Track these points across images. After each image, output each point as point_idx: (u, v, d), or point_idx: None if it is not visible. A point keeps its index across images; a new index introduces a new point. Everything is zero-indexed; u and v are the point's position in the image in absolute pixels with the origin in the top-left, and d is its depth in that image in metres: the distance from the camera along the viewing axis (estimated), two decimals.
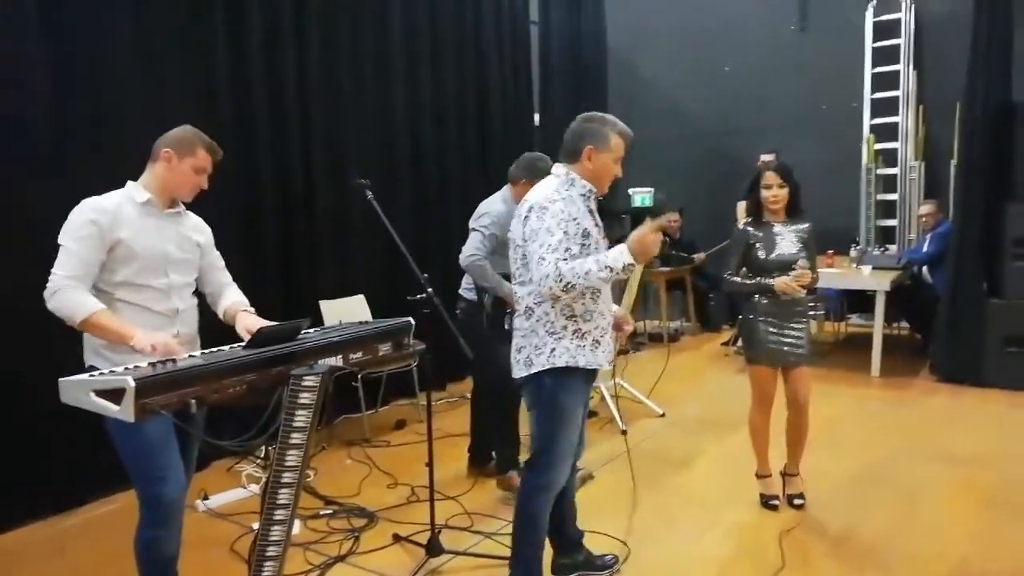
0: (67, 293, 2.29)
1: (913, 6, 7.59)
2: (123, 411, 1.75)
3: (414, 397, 5.37)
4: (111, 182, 2.52)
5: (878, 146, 7.81)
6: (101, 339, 2.36)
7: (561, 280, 2.48)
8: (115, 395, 1.76)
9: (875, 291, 6.16)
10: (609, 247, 2.67)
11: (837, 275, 6.62)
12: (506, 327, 3.81)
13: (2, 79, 3.55)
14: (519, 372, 2.74)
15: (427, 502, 3.20)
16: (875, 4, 7.75)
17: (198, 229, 2.68)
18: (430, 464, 3.19)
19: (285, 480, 2.13)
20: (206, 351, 2.20)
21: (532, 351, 2.68)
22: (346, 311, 4.81)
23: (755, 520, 3.58)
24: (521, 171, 3.85)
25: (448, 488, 3.88)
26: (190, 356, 2.08)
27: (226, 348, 2.20)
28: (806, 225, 3.58)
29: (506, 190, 3.94)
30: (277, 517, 2.16)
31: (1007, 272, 5.69)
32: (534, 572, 2.81)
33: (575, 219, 2.60)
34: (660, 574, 3.04)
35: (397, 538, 3.39)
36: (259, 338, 2.15)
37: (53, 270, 2.31)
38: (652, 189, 8.38)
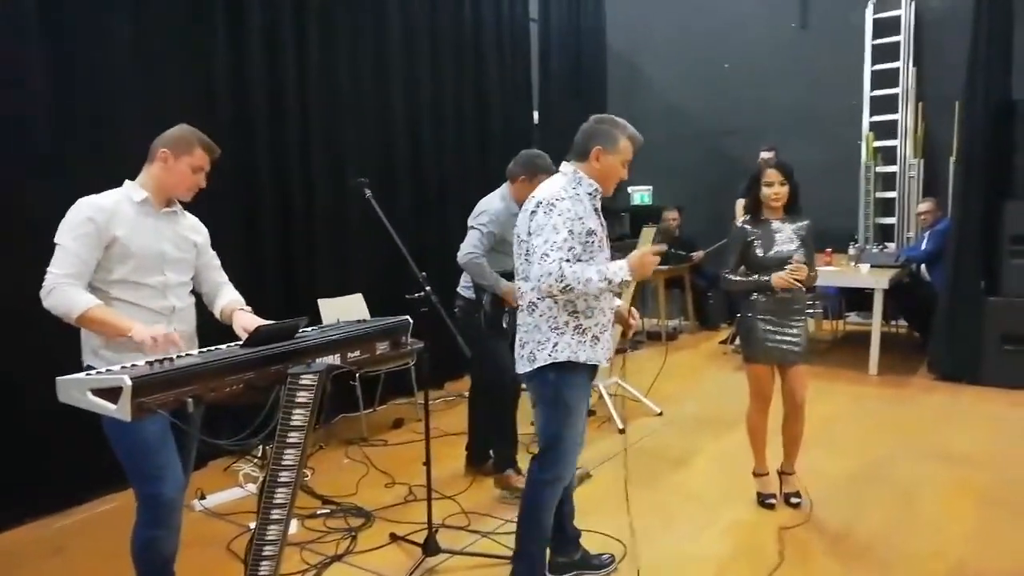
0: (63, 290, 2.28)
1: (913, 3, 7.59)
2: (120, 410, 1.75)
3: (412, 396, 5.37)
4: (111, 182, 2.52)
5: (877, 144, 7.81)
6: (99, 334, 2.36)
7: (562, 281, 2.53)
8: (112, 394, 1.76)
9: (873, 289, 6.16)
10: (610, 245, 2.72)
11: (835, 273, 6.62)
12: (504, 325, 3.84)
13: (2, 79, 3.54)
14: (523, 367, 2.77)
15: (424, 501, 3.21)
16: (875, 1, 7.75)
17: (195, 229, 2.67)
18: (427, 463, 3.19)
19: (282, 479, 2.13)
20: (203, 350, 2.19)
21: (535, 346, 2.71)
22: (344, 310, 4.81)
23: (752, 518, 3.58)
24: (519, 168, 3.85)
25: (446, 487, 3.88)
26: (187, 355, 2.08)
27: (223, 347, 2.20)
28: (805, 222, 3.58)
29: (504, 188, 3.94)
30: (274, 516, 2.16)
31: (1005, 270, 5.69)
32: (537, 567, 2.83)
33: (581, 218, 2.64)
34: (657, 573, 3.04)
35: (394, 537, 3.39)
36: (257, 337, 2.14)
37: (49, 268, 2.31)
38: (651, 187, 8.40)
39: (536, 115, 7.61)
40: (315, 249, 5.10)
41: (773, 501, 3.68)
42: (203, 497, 3.80)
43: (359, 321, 2.69)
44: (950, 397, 5.54)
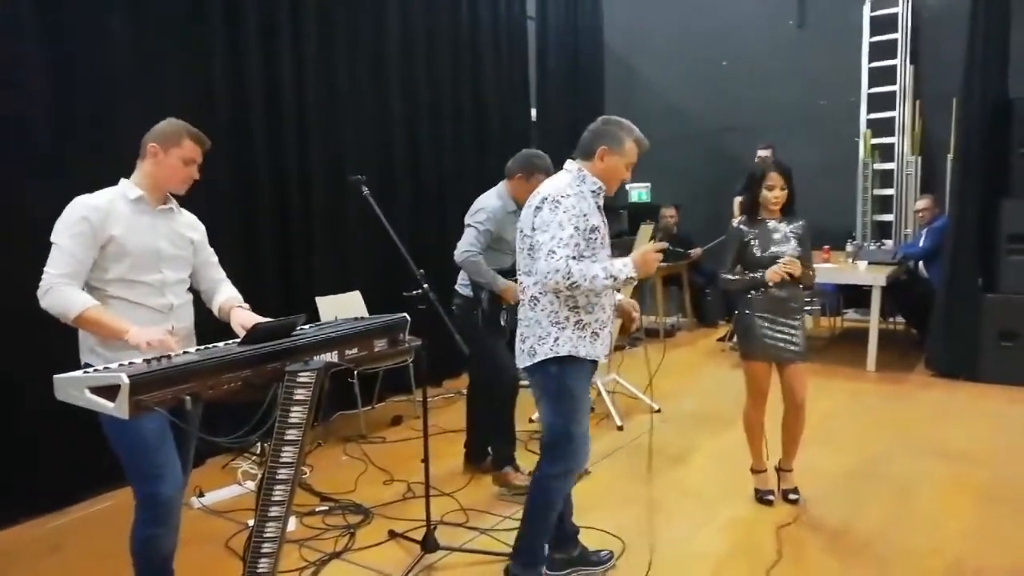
0: (60, 291, 2.28)
1: (910, 1, 7.59)
2: (118, 408, 1.75)
3: (410, 393, 5.37)
4: (111, 182, 2.52)
5: (875, 141, 7.82)
6: (96, 335, 2.36)
7: (569, 277, 2.55)
8: (110, 392, 1.76)
9: (871, 286, 6.17)
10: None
11: (833, 270, 6.63)
12: (502, 323, 3.84)
13: (2, 79, 3.54)
14: (524, 362, 2.80)
15: (423, 498, 3.21)
16: None
17: (192, 226, 2.67)
18: (426, 460, 3.20)
19: (280, 476, 2.13)
20: (201, 347, 2.19)
21: (536, 341, 2.73)
22: (342, 307, 4.81)
23: (750, 515, 3.59)
24: (517, 166, 3.86)
25: (444, 484, 3.89)
26: (185, 352, 2.08)
27: (221, 344, 2.20)
28: (801, 222, 3.60)
29: (502, 186, 3.94)
30: (272, 514, 2.16)
31: (1002, 267, 5.70)
32: (539, 557, 2.85)
33: (585, 215, 2.67)
34: (655, 569, 3.04)
35: (392, 534, 3.39)
36: (254, 334, 2.15)
37: (46, 268, 2.31)
38: (649, 184, 8.39)
39: (534, 113, 7.61)
40: (313, 247, 5.10)
41: (771, 498, 3.68)
42: (201, 494, 3.80)
43: (357, 319, 2.69)
44: (948, 394, 5.55)
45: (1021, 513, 3.53)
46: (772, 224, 3.57)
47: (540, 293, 2.72)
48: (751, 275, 3.54)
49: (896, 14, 7.61)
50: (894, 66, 7.63)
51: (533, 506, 2.83)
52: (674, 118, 8.62)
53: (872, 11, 7.76)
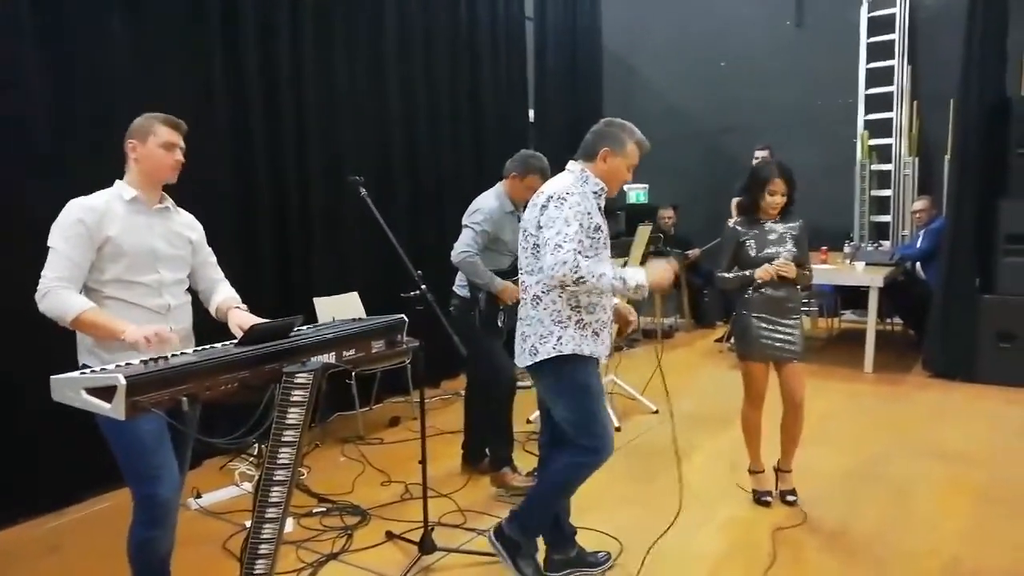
0: (57, 294, 2.28)
1: (907, 2, 7.61)
2: (114, 409, 1.75)
3: (408, 394, 5.37)
4: (111, 182, 2.52)
5: (872, 142, 7.83)
6: (94, 337, 2.35)
7: (576, 272, 2.55)
8: (106, 393, 1.75)
9: (868, 287, 6.17)
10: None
11: (831, 271, 6.64)
12: (499, 324, 3.84)
13: (2, 79, 3.53)
14: (525, 361, 2.81)
15: (420, 499, 3.20)
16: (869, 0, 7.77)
17: (190, 226, 2.67)
18: (423, 461, 3.19)
19: (278, 478, 2.13)
20: (198, 348, 2.19)
21: (537, 340, 2.75)
22: (340, 308, 4.80)
23: (748, 516, 3.59)
24: (513, 165, 3.88)
25: (442, 485, 3.88)
26: (182, 353, 2.07)
27: (218, 345, 2.19)
28: (798, 223, 3.60)
29: (499, 186, 3.94)
30: (269, 515, 2.16)
31: (1000, 268, 5.71)
32: (537, 529, 2.93)
33: (589, 214, 2.70)
34: (653, 570, 3.04)
35: (390, 536, 3.39)
36: (252, 335, 2.14)
37: (43, 272, 2.31)
38: (647, 185, 8.39)
39: (532, 113, 7.61)
40: (312, 248, 5.09)
41: (769, 499, 3.68)
42: (199, 496, 3.80)
43: (354, 320, 2.69)
44: (945, 394, 5.56)
45: (1018, 514, 3.53)
46: (768, 225, 3.57)
47: (543, 292, 2.74)
48: (743, 273, 3.55)
49: (893, 15, 7.62)
50: (892, 67, 7.65)
51: (552, 485, 2.87)
52: (672, 118, 8.62)
53: (870, 12, 7.78)
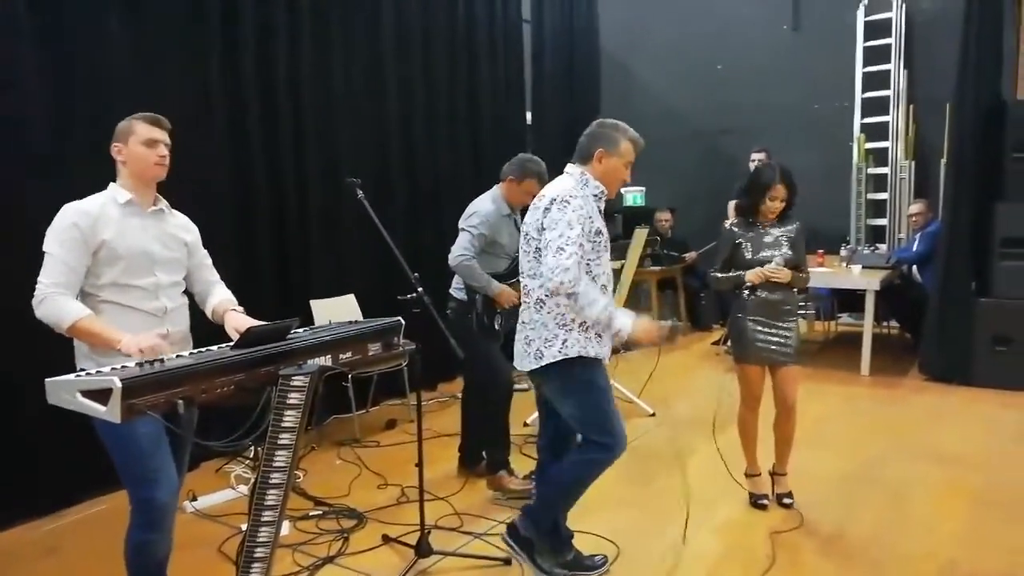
0: (53, 300, 2.27)
1: (904, 5, 7.63)
2: (110, 412, 1.73)
3: (404, 397, 5.36)
4: (111, 182, 2.51)
5: (868, 145, 7.84)
6: (90, 345, 2.35)
7: (574, 286, 2.58)
8: (102, 395, 1.74)
9: (865, 290, 6.18)
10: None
11: (827, 274, 6.64)
12: (496, 327, 3.84)
13: (2, 79, 3.53)
14: (528, 365, 2.82)
15: (417, 503, 3.19)
16: (866, 3, 7.78)
17: (185, 228, 2.66)
18: (420, 464, 3.18)
19: (274, 481, 2.12)
20: (194, 351, 2.18)
21: (542, 343, 2.76)
22: (336, 311, 4.79)
23: (745, 519, 3.59)
24: (510, 168, 3.88)
25: (438, 488, 3.87)
26: (178, 356, 2.07)
27: (214, 348, 2.19)
28: (794, 225, 3.60)
29: (496, 189, 3.95)
30: (265, 518, 2.15)
31: (996, 271, 5.72)
32: (549, 525, 2.94)
33: (590, 217, 2.72)
34: (649, 574, 3.03)
35: (386, 539, 3.38)
36: (248, 338, 2.13)
37: (39, 278, 2.30)
38: (644, 188, 8.40)
39: (529, 116, 7.61)
40: (309, 249, 5.09)
41: (765, 502, 3.68)
42: (194, 499, 3.78)
43: (351, 322, 2.68)
44: (941, 398, 5.56)
45: (1014, 517, 3.54)
46: (765, 228, 3.57)
47: (546, 295, 2.74)
48: (736, 274, 3.55)
49: (890, 19, 7.64)
50: (888, 71, 7.66)
51: (566, 482, 2.89)
52: (670, 121, 8.63)
53: (866, 15, 7.79)
